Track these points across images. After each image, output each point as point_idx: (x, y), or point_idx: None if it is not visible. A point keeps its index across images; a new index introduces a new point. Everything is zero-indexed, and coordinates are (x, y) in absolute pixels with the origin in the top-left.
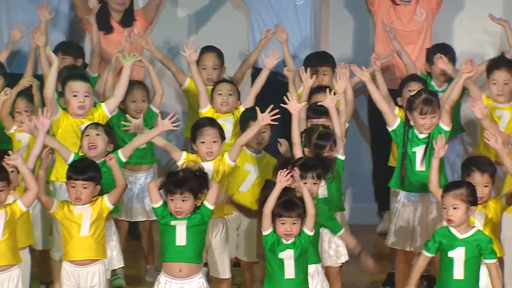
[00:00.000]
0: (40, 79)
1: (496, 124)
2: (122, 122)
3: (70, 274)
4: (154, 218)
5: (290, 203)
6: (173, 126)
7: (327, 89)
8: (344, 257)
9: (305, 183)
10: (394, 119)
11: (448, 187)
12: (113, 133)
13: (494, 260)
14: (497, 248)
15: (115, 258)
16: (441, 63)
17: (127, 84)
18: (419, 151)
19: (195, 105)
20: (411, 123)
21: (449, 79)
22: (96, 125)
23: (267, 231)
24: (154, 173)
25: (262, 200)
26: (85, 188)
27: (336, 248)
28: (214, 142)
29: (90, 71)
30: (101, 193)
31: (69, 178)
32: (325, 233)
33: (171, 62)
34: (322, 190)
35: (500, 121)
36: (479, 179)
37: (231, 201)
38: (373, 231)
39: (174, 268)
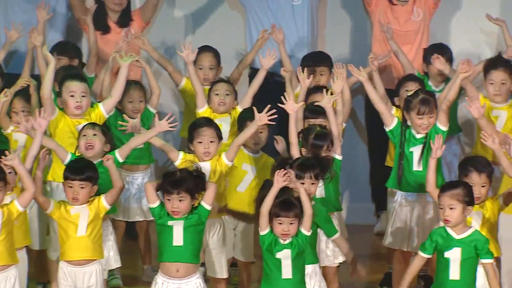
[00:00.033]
0: (37, 79)
1: (493, 124)
2: (119, 122)
3: (67, 274)
4: (152, 218)
5: (287, 203)
6: (170, 127)
7: (324, 89)
8: (342, 257)
9: (303, 183)
10: (391, 119)
11: (444, 187)
12: (110, 133)
13: (490, 260)
14: (494, 248)
15: (112, 258)
16: (438, 63)
17: (124, 84)
18: (416, 151)
19: (191, 105)
20: (408, 123)
21: (446, 79)
22: (93, 125)
23: (264, 231)
24: (152, 173)
25: (259, 200)
26: (82, 188)
27: (333, 248)
28: (211, 142)
29: (87, 72)
30: (98, 193)
31: (66, 178)
32: (322, 233)
33: (167, 62)
34: (320, 190)
35: (497, 121)
36: (476, 180)
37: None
38: (370, 231)
39: (171, 268)
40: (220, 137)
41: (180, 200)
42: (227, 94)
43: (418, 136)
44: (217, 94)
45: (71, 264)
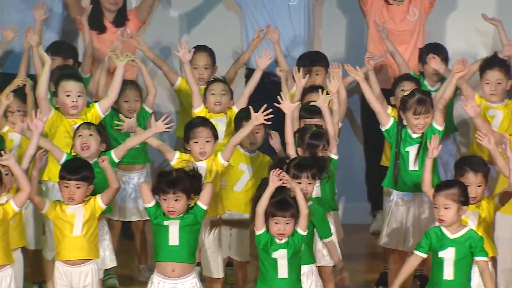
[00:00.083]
0: (33, 79)
1: (488, 123)
2: (116, 122)
3: (63, 273)
4: (148, 218)
5: (283, 203)
6: (166, 128)
7: (320, 89)
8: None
9: (300, 182)
10: (387, 118)
11: (439, 187)
12: (106, 132)
13: (485, 258)
14: (490, 248)
15: (108, 257)
16: (434, 63)
17: (120, 84)
18: (412, 150)
19: (186, 104)
20: (404, 122)
21: (441, 79)
22: (88, 125)
23: (260, 230)
24: (148, 173)
25: (255, 199)
26: (78, 188)
27: None
28: (207, 142)
29: (82, 72)
30: (93, 193)
31: (62, 178)
32: None
33: (163, 62)
34: (316, 190)
35: (493, 121)
36: (472, 179)
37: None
38: (366, 231)
39: (167, 268)
40: (216, 137)
41: (176, 200)
42: (223, 94)
43: (414, 135)
44: (213, 94)
45: (67, 263)
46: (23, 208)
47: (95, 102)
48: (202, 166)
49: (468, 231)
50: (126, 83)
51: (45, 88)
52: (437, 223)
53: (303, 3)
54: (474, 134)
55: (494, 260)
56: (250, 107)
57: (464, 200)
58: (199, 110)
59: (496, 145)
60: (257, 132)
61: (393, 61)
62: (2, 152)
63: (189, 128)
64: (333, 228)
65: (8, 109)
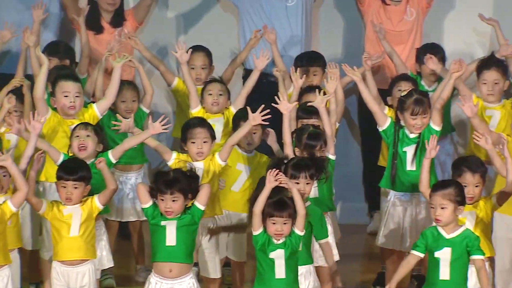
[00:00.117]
0: (31, 79)
1: (486, 123)
2: (113, 122)
3: (60, 274)
4: (145, 218)
5: (281, 203)
6: (164, 129)
7: (317, 89)
8: (335, 257)
9: (298, 183)
10: (384, 119)
11: (436, 187)
12: (103, 133)
13: (481, 257)
14: (487, 248)
15: (105, 258)
16: (432, 63)
17: (118, 85)
18: (409, 150)
19: (183, 105)
20: (402, 123)
21: (438, 79)
22: (85, 125)
23: (257, 231)
24: (145, 173)
25: (253, 199)
26: (75, 188)
27: None
28: (204, 142)
29: (79, 72)
30: (91, 193)
31: (59, 178)
32: None
33: (159, 62)
34: (313, 190)
35: (490, 121)
36: (470, 180)
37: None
38: (364, 231)
39: (165, 268)
40: (213, 137)
41: (173, 200)
42: (220, 94)
43: (412, 135)
44: (210, 94)
45: (64, 264)
46: (19, 209)
47: (93, 102)
48: (199, 166)
49: (464, 230)
50: (123, 83)
51: (43, 89)
52: (434, 223)
53: (301, 4)
54: (472, 134)
55: (491, 260)
56: (248, 108)
57: (460, 200)
58: (196, 111)
59: (493, 145)
60: (254, 133)
61: (390, 62)
62: None
63: (186, 129)
64: (330, 229)
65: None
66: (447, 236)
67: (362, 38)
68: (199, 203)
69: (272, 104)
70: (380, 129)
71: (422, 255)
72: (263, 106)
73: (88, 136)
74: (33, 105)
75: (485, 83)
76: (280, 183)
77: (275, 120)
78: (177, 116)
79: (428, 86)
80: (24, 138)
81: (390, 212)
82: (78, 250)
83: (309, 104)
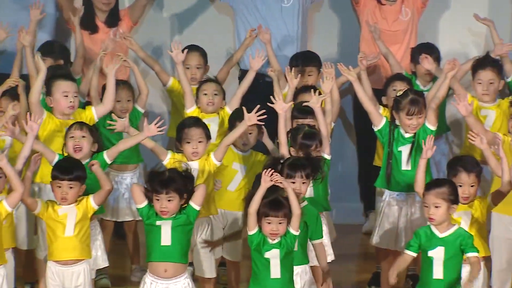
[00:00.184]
0: (26, 79)
1: (481, 122)
2: (108, 122)
3: (55, 273)
4: (140, 218)
5: (276, 203)
6: (159, 131)
7: (312, 89)
8: (330, 257)
9: (294, 182)
10: (379, 119)
11: (429, 186)
12: (98, 132)
13: (476, 254)
14: (482, 247)
15: (100, 257)
16: (427, 63)
17: (114, 92)
18: (404, 150)
19: (178, 104)
20: (397, 122)
21: (433, 79)
22: (80, 125)
23: (252, 230)
24: (140, 173)
25: (248, 199)
26: (71, 188)
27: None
28: (199, 142)
29: (74, 72)
30: (86, 193)
31: (54, 177)
32: None
33: (154, 62)
34: (308, 190)
35: (485, 121)
36: (465, 179)
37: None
38: (359, 231)
39: (160, 268)
40: (208, 137)
41: (168, 200)
42: (215, 94)
43: (407, 135)
44: (205, 94)
45: (59, 263)
46: (14, 209)
47: (88, 102)
48: (194, 166)
49: (457, 229)
50: (119, 83)
51: (39, 95)
52: (428, 223)
53: (297, 5)
54: (467, 134)
55: (486, 259)
56: (243, 108)
57: (454, 199)
58: (191, 111)
59: (488, 145)
60: (250, 133)
61: (385, 62)
62: None
63: (181, 128)
64: (325, 229)
65: None
66: (440, 235)
67: (358, 38)
68: (195, 203)
69: (268, 104)
70: (375, 129)
71: (415, 254)
72: (258, 106)
73: (83, 136)
74: (29, 106)
75: (480, 83)
76: (276, 182)
77: (271, 120)
78: (173, 115)
79: (423, 85)
80: (19, 140)
81: (385, 211)
82: (73, 250)
83: (304, 104)
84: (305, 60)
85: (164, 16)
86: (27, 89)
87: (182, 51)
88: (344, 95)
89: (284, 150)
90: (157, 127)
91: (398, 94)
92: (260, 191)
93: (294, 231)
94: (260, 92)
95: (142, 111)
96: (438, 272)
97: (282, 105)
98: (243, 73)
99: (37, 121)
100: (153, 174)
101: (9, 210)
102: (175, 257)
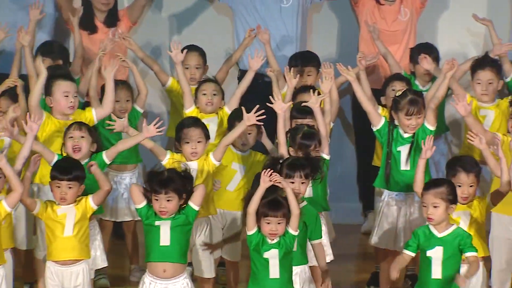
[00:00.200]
0: (25, 79)
1: (480, 123)
2: (107, 122)
3: (54, 273)
4: (139, 218)
5: (275, 203)
6: (158, 132)
7: (311, 89)
8: (329, 257)
9: (293, 182)
10: (378, 119)
11: (428, 186)
12: (97, 132)
13: (475, 253)
14: (481, 247)
15: (99, 257)
16: (426, 63)
17: (113, 95)
18: (403, 150)
19: (178, 104)
20: (396, 122)
21: (432, 78)
22: (80, 126)
23: (251, 230)
24: (139, 173)
25: (247, 198)
26: (70, 188)
27: None
28: (198, 142)
29: (73, 73)
30: (85, 193)
31: (53, 178)
32: None
33: (153, 62)
34: (307, 190)
35: (484, 121)
36: (464, 179)
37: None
38: (358, 231)
39: (159, 269)
40: (207, 137)
41: (168, 200)
42: (214, 94)
43: (406, 135)
44: (204, 94)
45: (58, 263)
46: (13, 209)
47: (87, 102)
48: (193, 166)
49: (455, 229)
50: (117, 83)
51: (39, 98)
52: (426, 222)
53: (296, 5)
54: (466, 134)
55: (485, 260)
56: (243, 108)
57: (452, 198)
58: (190, 110)
59: (487, 145)
60: (249, 133)
61: (384, 62)
62: None
63: (180, 128)
64: (324, 229)
65: None
66: (439, 235)
67: (357, 38)
68: (194, 204)
69: (267, 103)
70: (374, 129)
71: (413, 254)
72: (257, 106)
73: (82, 137)
74: (27, 106)
75: (479, 83)
76: (275, 182)
77: (270, 120)
78: (172, 115)
79: (422, 85)
80: (18, 141)
81: (384, 211)
82: (72, 250)
83: (303, 104)
84: (304, 60)
85: (163, 17)
86: (26, 89)
87: (182, 51)
88: (343, 95)
89: (283, 150)
90: (156, 128)
91: (397, 94)
92: (259, 191)
93: (293, 231)
94: (259, 92)
95: (141, 111)
96: (436, 272)
97: (281, 105)
98: (242, 73)
99: (37, 122)
100: (152, 174)
101: (8, 210)
102: (174, 257)
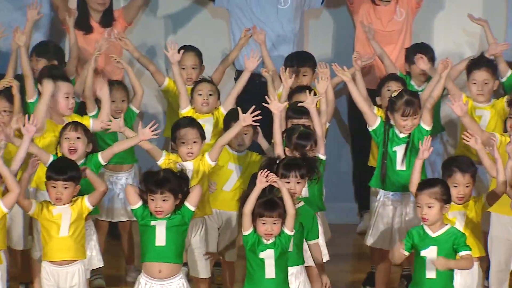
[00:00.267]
0: (21, 79)
1: (476, 122)
2: (102, 121)
3: (50, 274)
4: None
5: (271, 203)
6: (153, 135)
7: (307, 90)
8: (325, 257)
9: (288, 182)
10: (374, 119)
11: (422, 186)
12: (92, 133)
13: (469, 252)
14: (477, 248)
15: (95, 257)
16: (422, 63)
17: (110, 106)
18: (399, 150)
19: (174, 105)
20: (392, 122)
21: (428, 78)
22: (75, 126)
23: (247, 231)
24: (135, 173)
25: (243, 199)
26: (65, 188)
27: None
28: (194, 142)
29: (68, 73)
30: (80, 193)
31: (49, 178)
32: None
33: (149, 62)
34: (303, 190)
35: (480, 121)
36: (460, 180)
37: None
38: (354, 231)
39: (154, 269)
40: (203, 137)
41: (163, 200)
42: (210, 94)
43: (401, 135)
44: (200, 94)
45: (53, 264)
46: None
47: (82, 102)
48: (189, 166)
49: (449, 228)
50: (113, 83)
51: (45, 113)
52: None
53: (294, 7)
54: (462, 134)
55: (481, 260)
56: (239, 108)
57: (446, 198)
58: (186, 111)
59: (483, 145)
60: (245, 134)
61: (380, 62)
62: None
63: (176, 129)
64: (320, 229)
65: None
66: (433, 235)
67: (352, 38)
68: (190, 204)
69: (263, 104)
70: (370, 129)
71: (407, 253)
72: (254, 107)
73: (78, 138)
74: (23, 106)
75: (475, 83)
76: (271, 182)
77: (266, 120)
78: (168, 116)
79: (417, 86)
80: (13, 143)
81: (379, 211)
82: (68, 250)
83: (299, 104)
84: (300, 61)
85: (158, 17)
86: (22, 89)
87: (178, 51)
88: (339, 95)
89: (279, 150)
90: (152, 131)
91: (392, 95)
92: (255, 191)
93: (288, 231)
94: (256, 92)
95: (137, 111)
96: (431, 271)
97: (277, 105)
98: (239, 74)
99: (35, 124)
100: (147, 174)
101: (5, 211)
102: (170, 257)
